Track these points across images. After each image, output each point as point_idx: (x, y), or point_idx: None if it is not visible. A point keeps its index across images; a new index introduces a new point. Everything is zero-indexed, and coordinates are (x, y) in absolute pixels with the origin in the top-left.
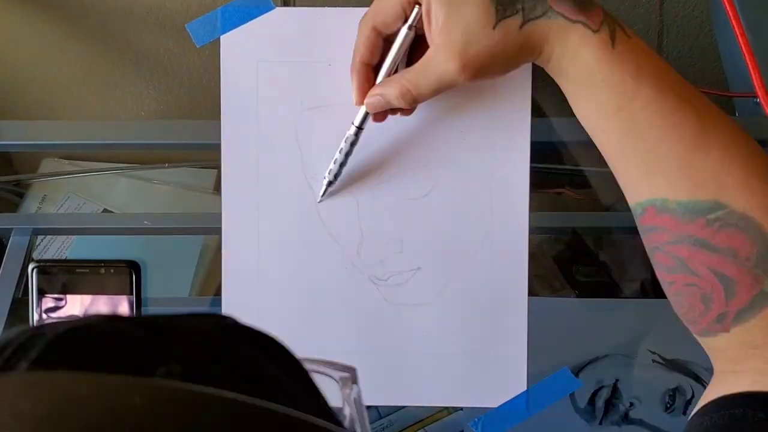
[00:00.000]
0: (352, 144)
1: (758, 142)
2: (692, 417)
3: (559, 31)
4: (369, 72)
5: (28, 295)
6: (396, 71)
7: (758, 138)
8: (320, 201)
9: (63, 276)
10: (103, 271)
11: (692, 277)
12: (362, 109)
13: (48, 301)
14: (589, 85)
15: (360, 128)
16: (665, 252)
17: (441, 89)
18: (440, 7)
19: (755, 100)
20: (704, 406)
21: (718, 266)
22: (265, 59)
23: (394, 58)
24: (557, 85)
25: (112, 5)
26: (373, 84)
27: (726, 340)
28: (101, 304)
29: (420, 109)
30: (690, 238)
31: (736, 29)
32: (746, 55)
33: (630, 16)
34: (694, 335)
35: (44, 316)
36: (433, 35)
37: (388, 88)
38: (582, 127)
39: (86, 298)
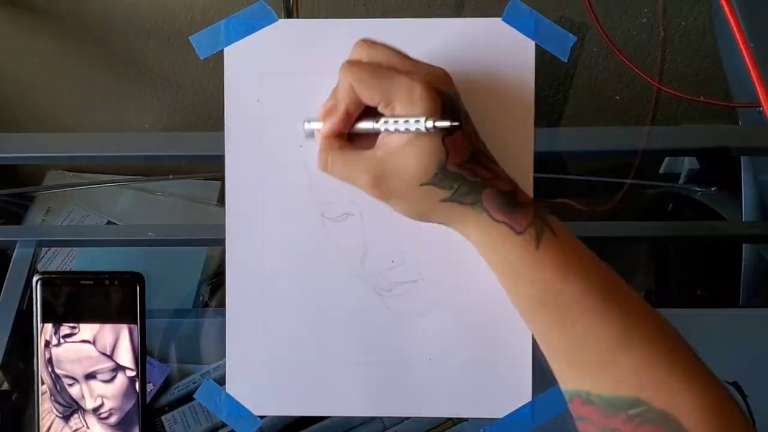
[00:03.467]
0: None
1: (762, 151)
2: None
3: (479, 224)
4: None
5: (32, 307)
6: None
7: (762, 147)
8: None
9: (67, 288)
10: (107, 282)
11: None
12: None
13: (52, 314)
14: (511, 278)
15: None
16: None
17: (350, 183)
18: (400, 136)
19: (759, 109)
20: None
21: None
22: (268, 71)
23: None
24: (560, 96)
25: (117, 18)
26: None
27: None
28: (106, 316)
29: None
30: (613, 431)
31: (739, 39)
32: (749, 65)
33: (633, 26)
34: None
35: (48, 328)
36: (379, 140)
37: (319, 148)
38: (586, 137)
39: (91, 310)
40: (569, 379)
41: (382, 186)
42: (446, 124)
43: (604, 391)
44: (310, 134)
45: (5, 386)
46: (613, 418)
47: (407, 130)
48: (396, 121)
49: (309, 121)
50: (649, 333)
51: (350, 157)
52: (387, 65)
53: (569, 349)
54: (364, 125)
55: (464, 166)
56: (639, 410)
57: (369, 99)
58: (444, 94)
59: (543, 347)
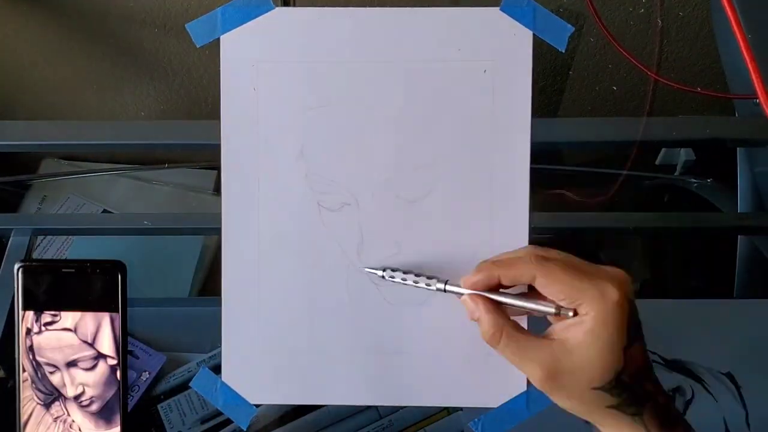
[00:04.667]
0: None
1: (758, 143)
2: None
3: None
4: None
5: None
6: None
7: (758, 139)
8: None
9: (49, 276)
10: (89, 270)
11: None
12: (464, 295)
13: (34, 301)
14: None
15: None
16: None
17: (513, 364)
18: (582, 337)
19: (755, 101)
20: None
21: None
22: (265, 59)
23: (517, 308)
24: (557, 86)
25: (113, 6)
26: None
27: None
28: (87, 304)
29: (420, 109)
30: None
31: (736, 30)
32: (746, 56)
33: (630, 16)
34: None
35: (30, 315)
36: (553, 331)
37: (485, 319)
38: (583, 128)
39: (72, 298)
40: None
41: (553, 382)
42: (569, 313)
43: None
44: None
45: (1, 373)
46: None
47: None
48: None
49: (446, 282)
50: None
51: (524, 343)
52: (574, 265)
53: None
54: (515, 302)
55: (636, 378)
56: None
57: (554, 293)
58: (632, 302)
59: None
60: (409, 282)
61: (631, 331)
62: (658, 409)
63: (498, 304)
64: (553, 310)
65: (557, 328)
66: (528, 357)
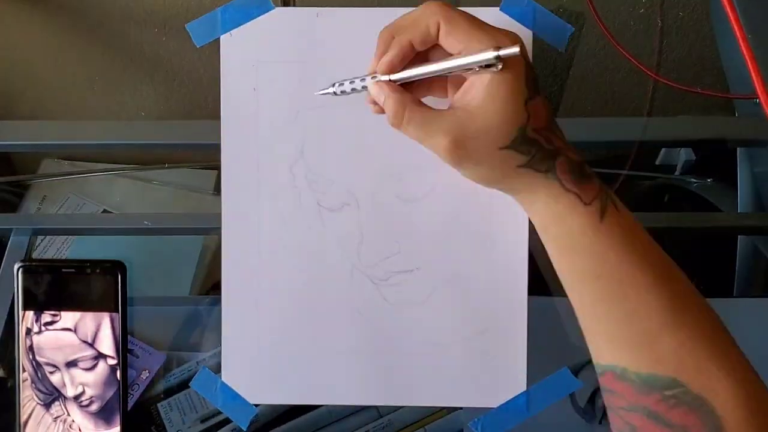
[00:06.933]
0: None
1: (758, 143)
2: None
3: (550, 193)
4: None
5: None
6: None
7: (758, 139)
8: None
9: (49, 276)
10: (89, 271)
11: None
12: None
13: (34, 301)
14: (571, 249)
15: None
16: (620, 416)
17: (423, 144)
18: (482, 97)
19: (755, 100)
20: None
21: None
22: (264, 59)
23: (420, 74)
24: (557, 86)
25: (113, 6)
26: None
27: None
28: (87, 304)
29: None
30: (644, 409)
31: (736, 30)
32: (747, 55)
33: (630, 16)
34: None
35: (30, 315)
36: (455, 101)
37: (390, 99)
38: (582, 127)
39: (72, 298)
40: (606, 354)
41: (460, 149)
42: (515, 50)
43: (642, 369)
44: (351, 91)
45: (1, 373)
46: (647, 396)
47: (477, 67)
48: (464, 59)
49: (351, 81)
50: (694, 316)
51: (428, 116)
52: (476, 18)
53: (614, 324)
54: (428, 68)
55: (542, 133)
56: (675, 392)
57: (455, 44)
58: (527, 58)
59: (585, 321)
60: (346, 86)
61: (530, 84)
62: (571, 165)
63: (403, 88)
64: (478, 58)
65: (458, 97)
66: (433, 129)
